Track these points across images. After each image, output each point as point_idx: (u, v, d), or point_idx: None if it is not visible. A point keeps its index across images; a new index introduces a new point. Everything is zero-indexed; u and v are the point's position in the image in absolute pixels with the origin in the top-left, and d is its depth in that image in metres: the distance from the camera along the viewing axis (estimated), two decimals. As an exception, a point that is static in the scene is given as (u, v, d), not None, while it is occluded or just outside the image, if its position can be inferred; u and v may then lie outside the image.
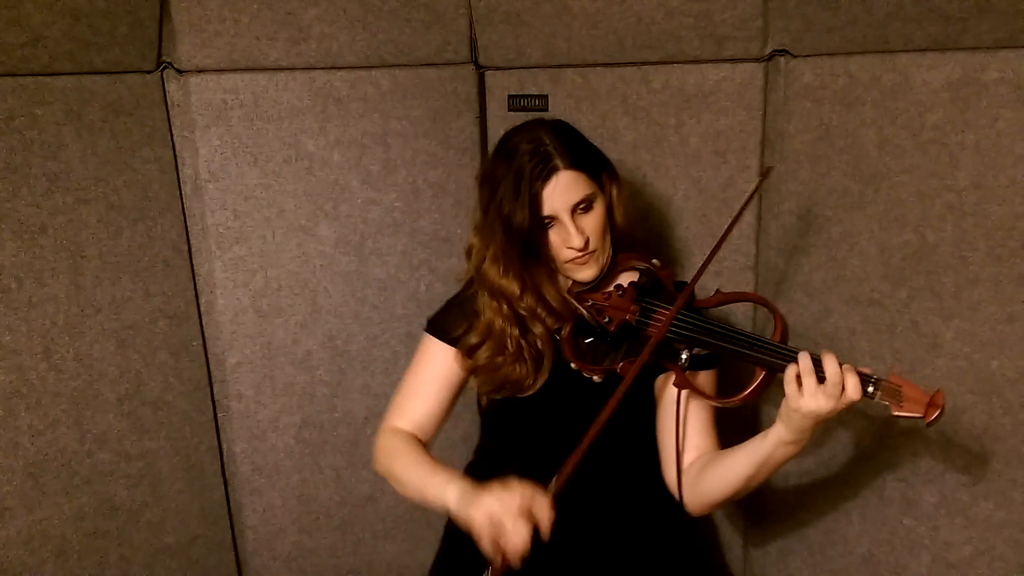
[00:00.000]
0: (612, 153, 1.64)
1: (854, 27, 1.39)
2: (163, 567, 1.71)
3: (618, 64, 1.61)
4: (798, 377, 1.10)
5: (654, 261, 1.29)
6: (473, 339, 1.32)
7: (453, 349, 1.35)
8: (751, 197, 1.25)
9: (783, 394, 1.11)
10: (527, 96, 1.69)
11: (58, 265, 1.45)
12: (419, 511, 1.90)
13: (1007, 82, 1.28)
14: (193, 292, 1.67)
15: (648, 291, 1.27)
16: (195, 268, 1.67)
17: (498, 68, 1.71)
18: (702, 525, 1.84)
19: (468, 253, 1.35)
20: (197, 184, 1.61)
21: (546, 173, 1.19)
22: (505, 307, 1.28)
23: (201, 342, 1.70)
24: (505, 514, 1.08)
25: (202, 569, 1.79)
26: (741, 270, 1.62)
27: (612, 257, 1.29)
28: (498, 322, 1.29)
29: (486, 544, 1.10)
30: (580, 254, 1.22)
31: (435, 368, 1.37)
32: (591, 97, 1.64)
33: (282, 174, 1.64)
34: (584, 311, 1.27)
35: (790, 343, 1.17)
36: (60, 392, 1.49)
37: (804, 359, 1.10)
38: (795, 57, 1.48)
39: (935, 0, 1.30)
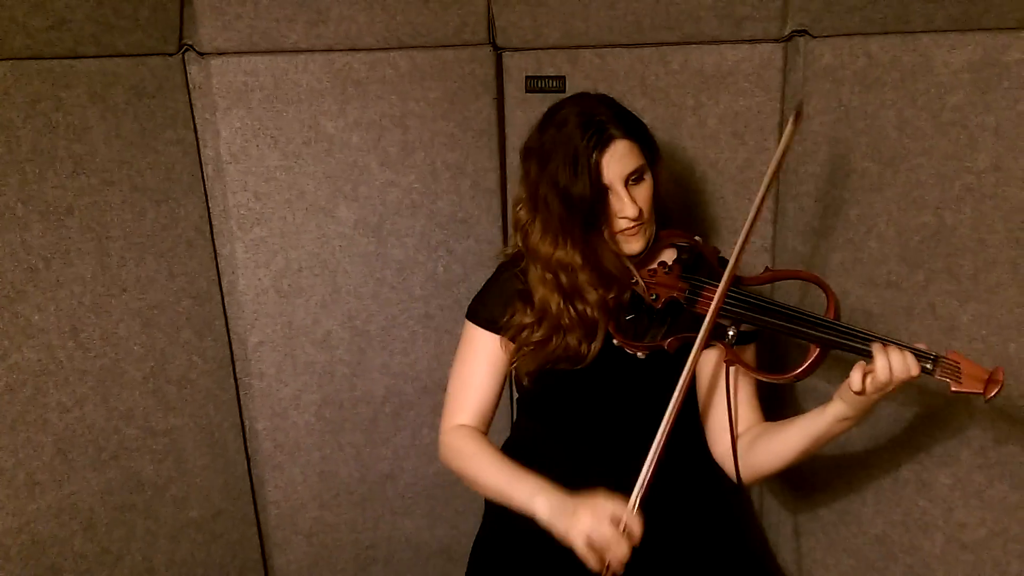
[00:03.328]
0: (629, 135, 1.65)
1: (874, 7, 1.38)
2: (188, 540, 1.75)
3: (636, 45, 1.60)
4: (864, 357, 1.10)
5: (696, 238, 1.29)
6: (527, 319, 1.30)
7: (497, 336, 1.36)
8: (787, 145, 1.18)
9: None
10: (544, 77, 1.69)
11: (84, 246, 1.48)
12: (438, 488, 1.93)
13: (1029, 63, 1.27)
14: (215, 272, 1.70)
15: (693, 268, 1.27)
16: (217, 249, 1.69)
17: (516, 49, 1.71)
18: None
19: (515, 227, 1.34)
20: (219, 166, 1.63)
21: (604, 142, 1.19)
22: (563, 278, 1.26)
23: (224, 321, 1.73)
24: (605, 534, 1.10)
25: (226, 542, 1.83)
26: (758, 252, 1.62)
27: (656, 233, 1.29)
28: (554, 298, 1.27)
29: (586, 556, 1.11)
30: (632, 224, 1.23)
31: (484, 356, 1.38)
32: (609, 78, 1.64)
33: (302, 156, 1.66)
34: (634, 288, 1.26)
35: (842, 319, 1.17)
36: (87, 370, 1.52)
37: (880, 356, 1.07)
38: (814, 37, 1.47)
39: (957, -20, 1.29)
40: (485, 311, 1.37)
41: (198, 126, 1.62)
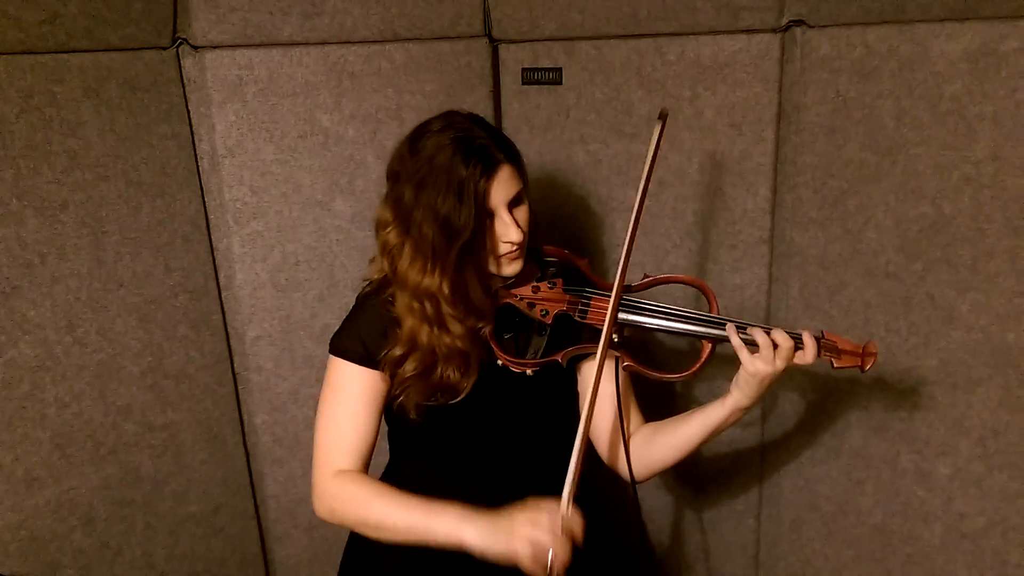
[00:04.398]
0: (626, 127, 1.65)
1: (872, -4, 1.38)
2: (188, 535, 1.75)
3: (633, 36, 1.60)
4: (748, 345, 1.15)
5: (565, 251, 1.30)
6: (397, 351, 1.23)
7: (374, 371, 1.25)
8: (657, 148, 1.18)
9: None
10: (541, 69, 1.68)
11: (80, 241, 1.48)
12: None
13: (1027, 51, 1.26)
14: (212, 267, 1.70)
15: (571, 280, 1.27)
16: (213, 243, 1.69)
17: (512, 41, 1.70)
18: (712, 495, 1.86)
19: (382, 251, 1.25)
20: (214, 160, 1.62)
21: (490, 168, 1.14)
22: (429, 308, 1.20)
23: (221, 316, 1.73)
24: (546, 536, 1.08)
25: (226, 537, 1.83)
26: (756, 244, 1.62)
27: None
28: (424, 329, 1.21)
29: (532, 568, 1.09)
30: (515, 248, 1.19)
31: (360, 394, 1.27)
32: (605, 70, 1.63)
33: (298, 149, 1.65)
34: (518, 305, 1.25)
35: (722, 313, 1.22)
36: (85, 365, 1.52)
37: (761, 335, 1.14)
38: (812, 28, 1.46)
39: (955, -32, 1.28)
40: (357, 345, 1.26)
41: (193, 120, 1.61)
